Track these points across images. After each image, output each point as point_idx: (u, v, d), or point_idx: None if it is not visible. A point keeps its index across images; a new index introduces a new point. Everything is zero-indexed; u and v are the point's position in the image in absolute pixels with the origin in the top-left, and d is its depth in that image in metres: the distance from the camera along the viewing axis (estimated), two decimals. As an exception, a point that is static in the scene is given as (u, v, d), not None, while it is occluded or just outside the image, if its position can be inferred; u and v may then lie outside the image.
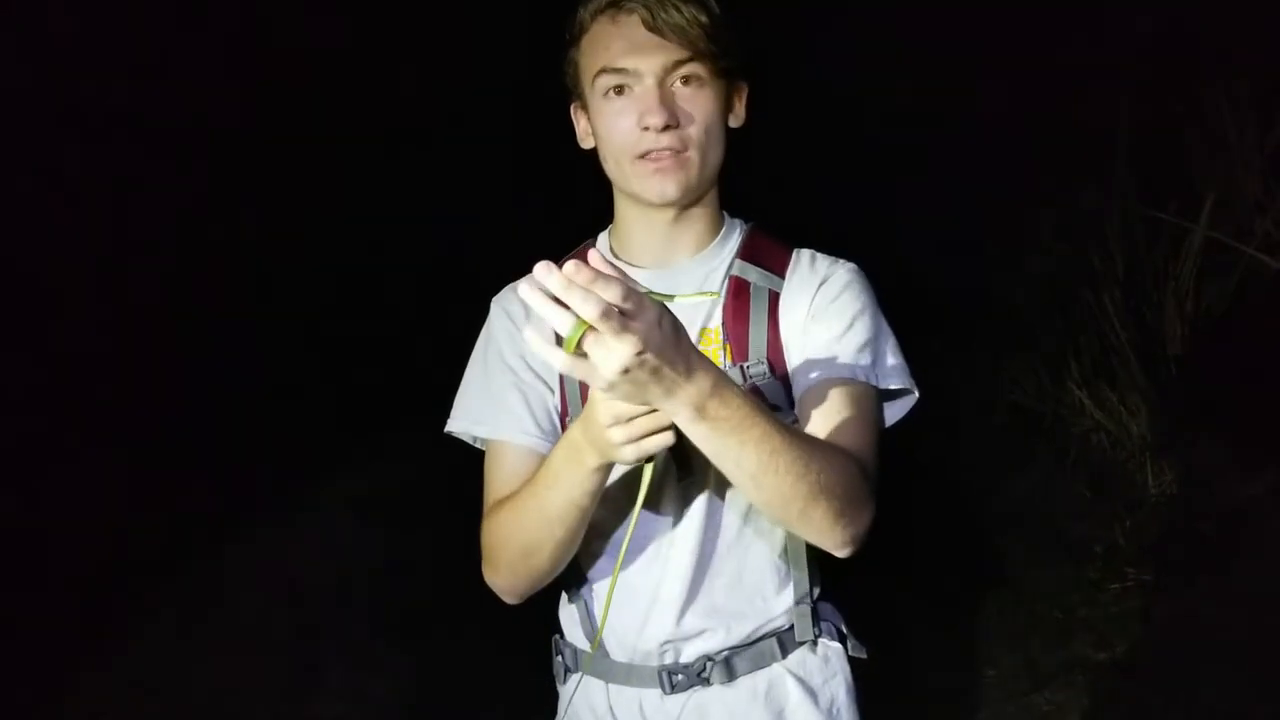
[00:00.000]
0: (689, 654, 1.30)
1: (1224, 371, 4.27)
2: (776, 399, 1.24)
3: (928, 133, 5.94)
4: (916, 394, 1.30)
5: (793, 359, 1.26)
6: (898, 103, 6.20)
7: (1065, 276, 5.13)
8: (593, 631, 1.34)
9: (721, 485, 1.27)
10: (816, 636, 1.34)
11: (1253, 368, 4.03)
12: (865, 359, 1.23)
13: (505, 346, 1.33)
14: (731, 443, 1.02)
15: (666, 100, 1.22)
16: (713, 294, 1.24)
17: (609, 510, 1.29)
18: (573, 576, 1.35)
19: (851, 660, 1.40)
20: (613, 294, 0.87)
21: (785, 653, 1.32)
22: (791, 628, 1.32)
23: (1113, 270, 4.87)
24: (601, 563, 1.33)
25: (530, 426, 1.28)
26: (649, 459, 1.06)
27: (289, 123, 5.91)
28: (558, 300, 0.88)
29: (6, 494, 3.92)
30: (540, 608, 1.45)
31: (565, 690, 1.41)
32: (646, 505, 1.25)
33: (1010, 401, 5.19)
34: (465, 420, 1.34)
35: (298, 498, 4.77)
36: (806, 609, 1.32)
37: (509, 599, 1.29)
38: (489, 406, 1.31)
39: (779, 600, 1.31)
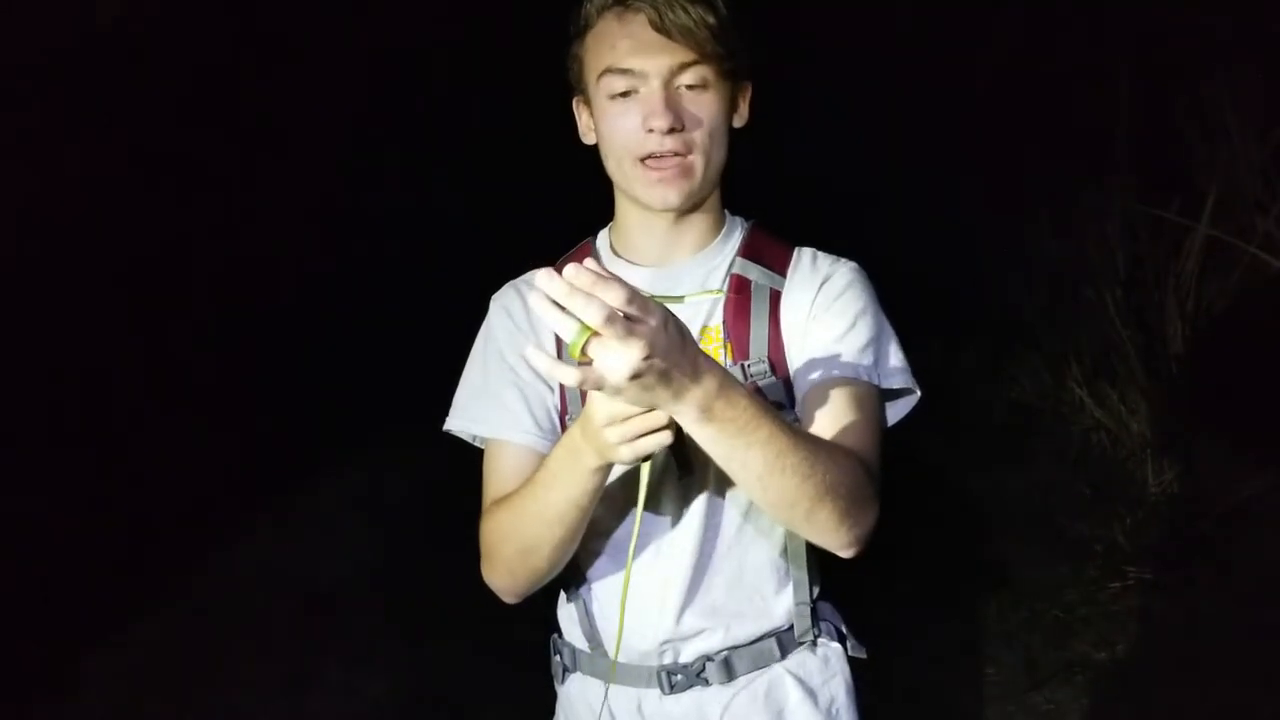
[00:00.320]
0: (688, 654, 1.29)
1: (1225, 370, 4.27)
2: (777, 398, 1.23)
3: (928, 131, 5.94)
4: (918, 393, 1.29)
5: (794, 358, 1.25)
6: (897, 101, 6.20)
7: (1066, 275, 5.13)
8: (592, 631, 1.33)
9: (721, 485, 1.26)
10: (816, 637, 1.34)
11: (1253, 366, 4.03)
12: (867, 359, 1.23)
13: (504, 345, 1.32)
14: (738, 444, 1.02)
15: (672, 102, 1.21)
16: (717, 291, 1.24)
17: (608, 509, 1.28)
18: (571, 576, 1.35)
19: (851, 660, 1.39)
20: (616, 297, 0.87)
21: (785, 653, 1.32)
22: (791, 628, 1.32)
23: (1113, 269, 4.87)
24: (600, 562, 1.32)
25: (529, 425, 1.28)
26: (647, 458, 1.05)
27: (288, 122, 5.91)
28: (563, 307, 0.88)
29: (4, 491, 3.92)
30: (539, 607, 1.45)
31: (564, 690, 1.41)
32: (646, 506, 1.25)
33: (1011, 400, 5.19)
34: (464, 418, 1.34)
35: (296, 496, 4.77)
36: (806, 609, 1.32)
37: (507, 598, 1.28)
38: (488, 405, 1.31)
39: (778, 600, 1.31)
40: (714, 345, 1.26)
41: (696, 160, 1.24)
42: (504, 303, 1.36)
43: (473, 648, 3.46)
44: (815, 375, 1.21)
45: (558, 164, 2.90)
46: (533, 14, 3.43)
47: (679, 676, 1.29)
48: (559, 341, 1.12)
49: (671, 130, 1.21)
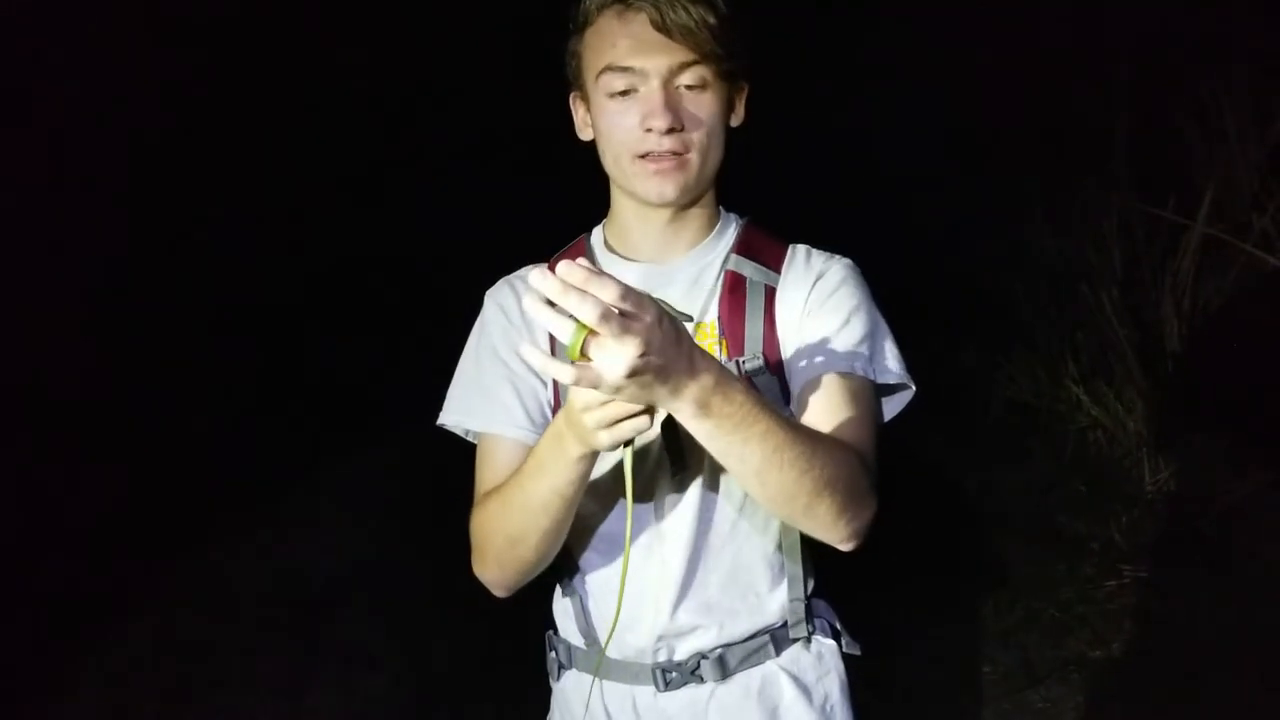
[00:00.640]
0: (682, 651, 1.29)
1: (1221, 369, 4.27)
2: (772, 394, 1.23)
3: (924, 130, 5.93)
4: (913, 389, 1.29)
5: (789, 354, 1.25)
6: (895, 100, 6.20)
7: (1063, 273, 5.13)
8: (587, 627, 1.33)
9: (715, 481, 1.26)
10: (810, 633, 1.34)
11: (1250, 365, 4.03)
12: (863, 354, 1.23)
13: (498, 340, 1.32)
14: (735, 439, 1.02)
15: (671, 102, 1.21)
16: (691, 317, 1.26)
17: (601, 505, 1.28)
18: (567, 572, 1.35)
19: (845, 657, 1.39)
20: (610, 294, 0.87)
21: (779, 650, 1.32)
22: (785, 624, 1.32)
23: (1110, 267, 4.87)
24: (595, 559, 1.32)
25: (521, 420, 1.28)
26: (628, 443, 1.04)
27: (287, 120, 5.91)
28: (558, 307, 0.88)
29: (1, 491, 3.92)
30: (536, 604, 1.45)
31: (559, 687, 1.41)
32: (640, 500, 1.25)
33: (1007, 398, 5.19)
34: (457, 413, 1.34)
35: (293, 494, 4.76)
36: (800, 606, 1.32)
37: (498, 592, 1.28)
38: (481, 399, 1.31)
39: (773, 597, 1.31)
40: (709, 341, 1.26)
41: (694, 158, 1.25)
42: (498, 299, 1.36)
43: (469, 645, 3.46)
44: (811, 370, 1.21)
45: (553, 160, 2.90)
46: (530, 11, 3.42)
47: (673, 674, 1.29)
48: (553, 338, 1.12)
49: (670, 130, 1.22)
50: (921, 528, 4.24)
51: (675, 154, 1.23)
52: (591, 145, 1.32)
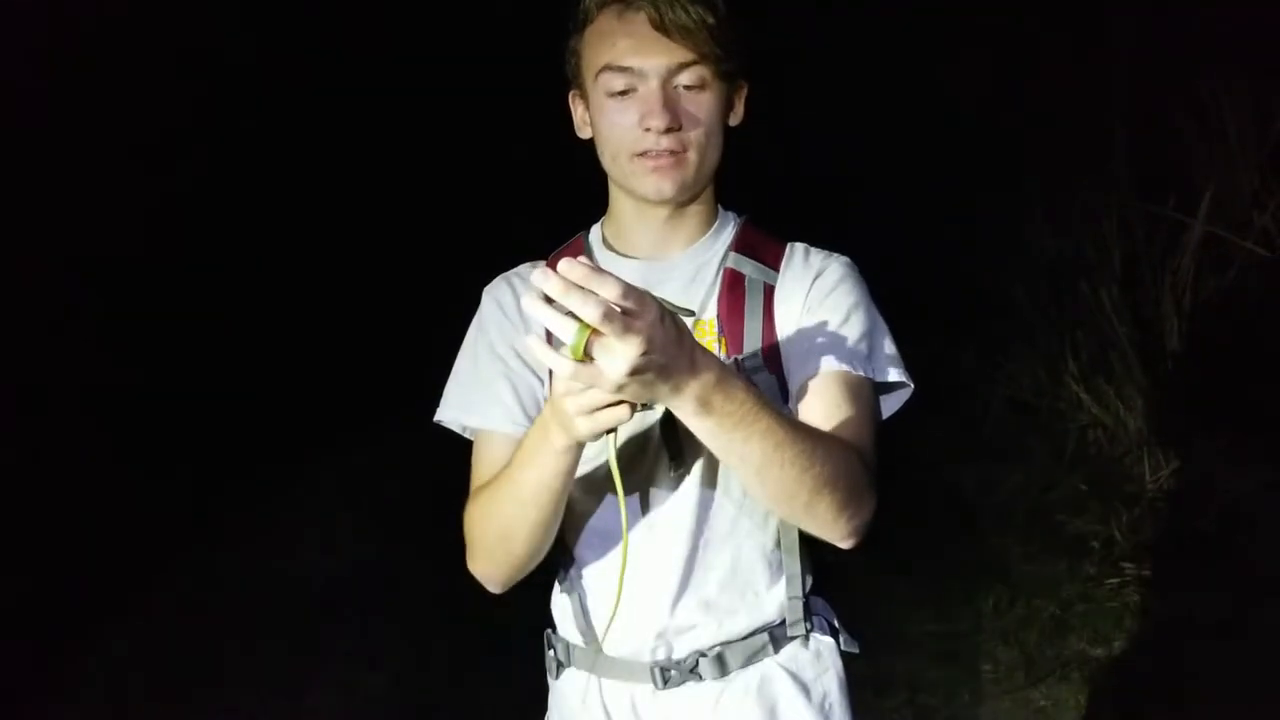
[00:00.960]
0: (681, 649, 1.29)
1: (1222, 367, 4.27)
2: (771, 392, 1.23)
3: (923, 128, 5.93)
4: (912, 387, 1.29)
5: (788, 352, 1.25)
6: (894, 98, 6.19)
7: (1063, 271, 5.13)
8: (586, 626, 1.33)
9: (714, 478, 1.26)
10: (809, 631, 1.34)
11: (1250, 363, 4.03)
12: (861, 351, 1.23)
13: (496, 336, 1.33)
14: (736, 437, 1.03)
15: (669, 102, 1.22)
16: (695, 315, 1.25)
17: (597, 501, 1.28)
18: (565, 570, 1.35)
19: (844, 655, 1.39)
20: (611, 292, 0.87)
21: (777, 647, 1.32)
22: (784, 622, 1.32)
23: (1110, 265, 4.87)
24: (592, 555, 1.32)
25: (519, 416, 1.28)
26: (612, 432, 1.04)
27: (289, 117, 5.91)
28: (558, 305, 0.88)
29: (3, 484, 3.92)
30: (535, 602, 1.45)
31: (557, 685, 1.41)
32: (638, 497, 1.25)
33: (1007, 396, 5.19)
34: (454, 409, 1.34)
35: (294, 492, 4.77)
36: (799, 603, 1.32)
37: (492, 587, 1.28)
38: (478, 396, 1.31)
39: (771, 594, 1.31)
40: (708, 339, 1.26)
41: (692, 157, 1.25)
42: (496, 295, 1.36)
43: (468, 643, 3.46)
44: (809, 368, 1.22)
45: (551, 158, 2.90)
46: (529, 8, 3.42)
47: (672, 671, 1.29)
48: (549, 333, 1.12)
49: (669, 129, 1.22)
50: (922, 526, 4.25)
51: (673, 153, 1.23)
52: (590, 143, 1.32)
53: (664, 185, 1.25)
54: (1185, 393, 4.42)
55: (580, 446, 1.10)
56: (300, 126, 5.99)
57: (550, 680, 1.42)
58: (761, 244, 1.33)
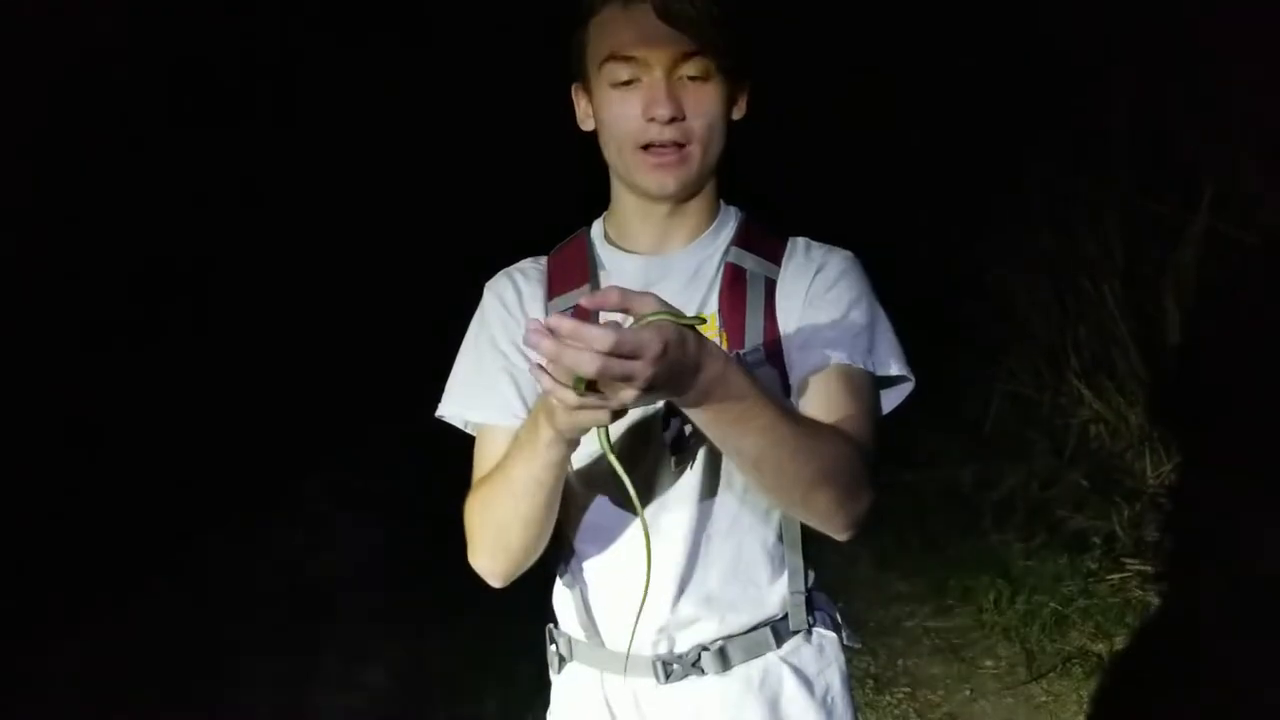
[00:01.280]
0: (683, 643, 1.29)
1: (1223, 363, 4.27)
2: (773, 387, 1.23)
3: (926, 122, 5.92)
4: (913, 381, 1.29)
5: (789, 346, 1.25)
6: (894, 93, 6.18)
7: (1064, 266, 5.13)
8: (588, 620, 1.33)
9: (716, 473, 1.26)
10: (811, 626, 1.33)
11: (1252, 359, 4.02)
12: (862, 345, 1.23)
13: (497, 331, 1.32)
14: (735, 429, 1.03)
15: (673, 92, 1.21)
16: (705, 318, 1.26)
17: (599, 496, 1.28)
18: (566, 565, 1.35)
19: (846, 650, 1.39)
20: (603, 344, 0.88)
21: (780, 642, 1.31)
22: (786, 617, 1.31)
23: (1112, 260, 4.87)
24: (594, 551, 1.32)
25: (520, 410, 1.28)
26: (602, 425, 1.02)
27: (289, 114, 5.91)
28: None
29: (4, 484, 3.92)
30: (536, 598, 1.44)
31: (559, 680, 1.40)
32: (639, 492, 1.25)
33: (1008, 392, 5.19)
34: (456, 405, 1.34)
35: (295, 489, 4.77)
36: (801, 598, 1.31)
37: (493, 581, 1.28)
38: (480, 391, 1.31)
39: (773, 589, 1.30)
40: (709, 334, 1.26)
41: (695, 150, 1.25)
42: (497, 289, 1.36)
43: (470, 638, 3.46)
44: (811, 361, 1.21)
45: (553, 153, 2.89)
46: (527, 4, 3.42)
47: (674, 666, 1.29)
48: None
49: (672, 120, 1.21)
50: (923, 522, 4.25)
51: (677, 145, 1.23)
52: (592, 136, 1.32)
53: (667, 181, 1.25)
54: (1187, 388, 4.42)
55: (569, 441, 1.10)
56: (296, 123, 5.98)
57: (552, 675, 1.42)
58: (763, 239, 1.33)
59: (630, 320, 0.98)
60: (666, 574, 1.26)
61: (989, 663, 3.38)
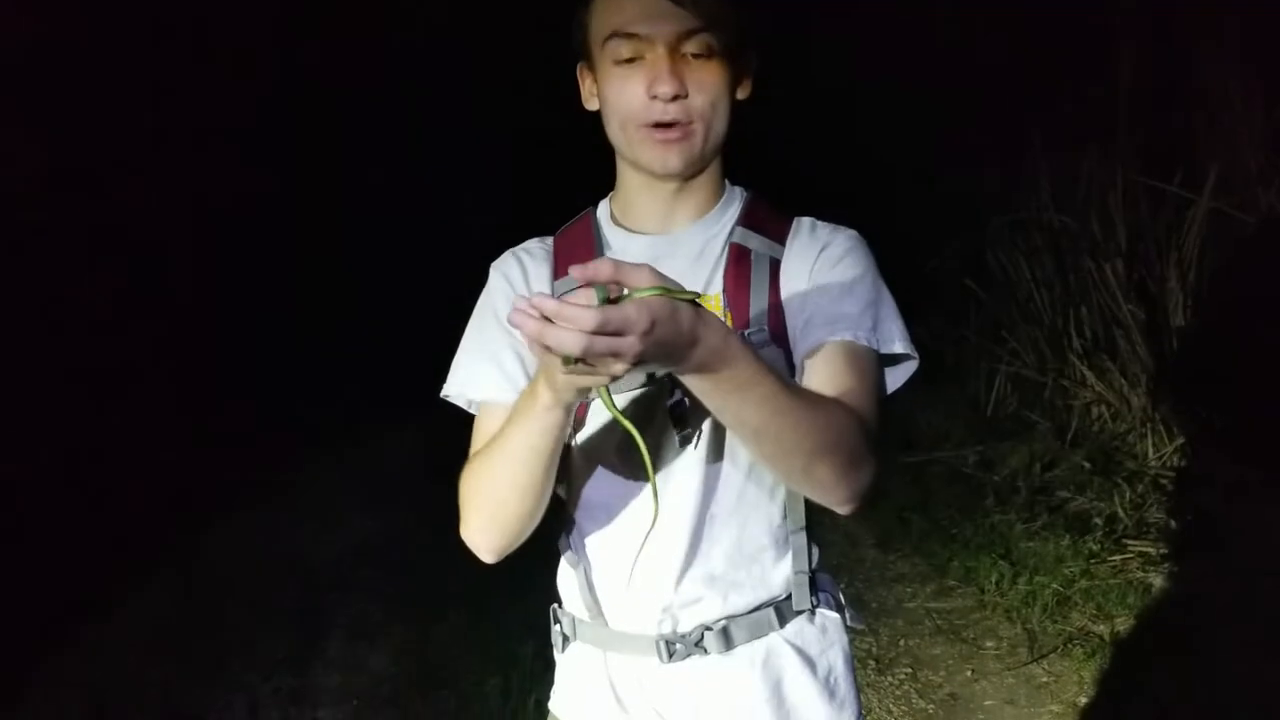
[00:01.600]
0: (686, 623, 1.29)
1: (1226, 344, 4.27)
2: (778, 366, 1.22)
3: (926, 101, 5.90)
4: (917, 360, 1.29)
5: (793, 325, 1.25)
6: (897, 71, 6.16)
7: (1067, 247, 5.12)
8: (592, 600, 1.33)
9: (720, 452, 1.26)
10: (814, 606, 1.33)
11: (1255, 340, 4.02)
12: (866, 322, 1.22)
13: (502, 309, 1.32)
14: (734, 400, 1.02)
15: (676, 70, 1.21)
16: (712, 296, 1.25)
17: (605, 476, 1.28)
18: (571, 545, 1.35)
19: (849, 630, 1.39)
20: (588, 324, 0.87)
21: (783, 622, 1.31)
22: (789, 597, 1.31)
23: (1115, 241, 4.86)
24: (599, 530, 1.32)
25: (523, 385, 1.27)
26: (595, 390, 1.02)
27: (284, 103, 5.89)
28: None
29: (5, 463, 3.93)
30: (539, 579, 1.45)
31: (563, 659, 1.41)
32: (643, 475, 1.25)
33: (1010, 373, 5.19)
34: (459, 384, 1.33)
35: (299, 473, 4.78)
36: (804, 578, 1.31)
37: (484, 556, 1.27)
38: (483, 368, 1.31)
39: (777, 569, 1.30)
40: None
41: (698, 128, 1.24)
42: (503, 269, 1.36)
43: (473, 620, 3.48)
44: (814, 338, 1.21)
45: (558, 135, 2.89)
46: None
47: (678, 645, 1.29)
48: None
49: (675, 97, 1.21)
50: (925, 503, 4.26)
51: (680, 123, 1.23)
52: (597, 117, 1.31)
53: (670, 159, 1.24)
54: (1189, 370, 4.42)
55: (567, 406, 1.09)
56: (298, 109, 5.97)
57: (556, 654, 1.43)
58: (768, 218, 1.32)
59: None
60: (670, 553, 1.26)
61: (990, 643, 3.39)
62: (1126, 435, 4.53)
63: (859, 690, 1.40)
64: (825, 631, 1.35)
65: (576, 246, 1.33)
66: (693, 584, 1.27)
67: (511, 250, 1.38)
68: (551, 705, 1.45)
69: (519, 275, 1.33)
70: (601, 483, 1.29)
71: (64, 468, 4.19)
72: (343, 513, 4.50)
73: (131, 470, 4.28)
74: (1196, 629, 3.22)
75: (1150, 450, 4.36)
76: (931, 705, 3.08)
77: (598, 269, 0.93)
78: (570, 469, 1.31)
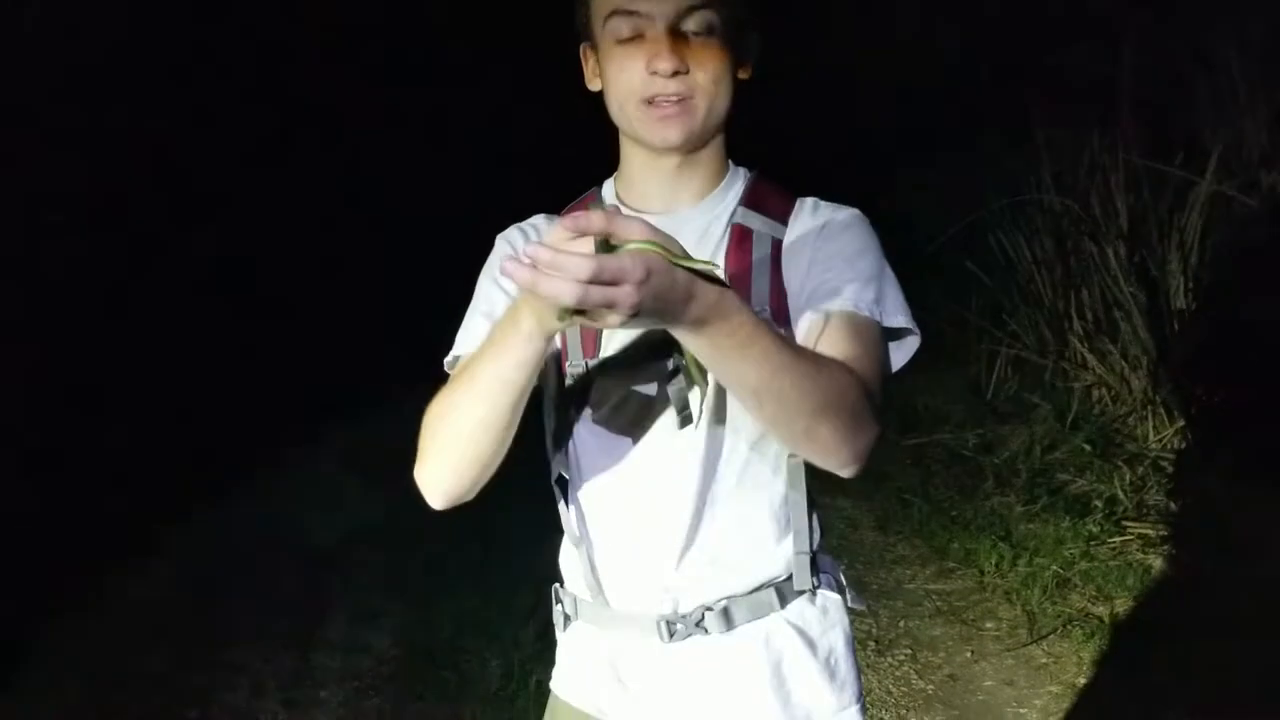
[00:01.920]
0: (687, 603, 1.29)
1: (1227, 327, 4.26)
2: (781, 345, 1.22)
3: (929, 83, 5.88)
4: (919, 337, 1.28)
5: (795, 303, 1.24)
6: (897, 50, 6.14)
7: (1068, 229, 5.11)
8: (593, 580, 1.33)
9: (722, 431, 1.25)
10: (815, 587, 1.33)
11: (1256, 323, 4.02)
12: (869, 294, 1.21)
13: (502, 275, 1.31)
14: (734, 358, 1.01)
15: (677, 46, 1.20)
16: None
17: (608, 459, 1.28)
18: (573, 524, 1.35)
19: (850, 612, 1.39)
20: (583, 273, 0.86)
21: (784, 603, 1.31)
22: (790, 578, 1.31)
23: (1116, 223, 4.85)
24: (601, 510, 1.32)
25: None
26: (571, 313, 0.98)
27: (298, 100, 5.88)
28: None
29: (11, 446, 3.93)
30: (540, 560, 1.45)
31: (564, 639, 1.41)
32: (645, 451, 1.25)
33: (1011, 355, 5.19)
34: (460, 347, 1.33)
35: (300, 452, 4.78)
36: (805, 559, 1.31)
37: (434, 500, 1.26)
38: (477, 323, 1.30)
39: (778, 550, 1.30)
40: None
41: (699, 103, 1.24)
42: (509, 238, 1.37)
43: (474, 601, 3.48)
44: (816, 309, 1.20)
45: (563, 116, 2.88)
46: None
47: (678, 626, 1.29)
48: None
49: (675, 73, 1.20)
50: (925, 485, 4.26)
51: (681, 100, 1.22)
52: (600, 97, 1.31)
53: (670, 132, 1.24)
54: (1190, 352, 4.42)
55: (546, 339, 1.08)
56: (301, 99, 5.95)
57: (558, 634, 1.43)
58: (771, 198, 1.32)
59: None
60: (671, 533, 1.26)
61: (990, 625, 3.40)
62: (1127, 418, 4.53)
63: (860, 671, 1.41)
64: (826, 612, 1.35)
65: None
66: (694, 564, 1.27)
67: (517, 224, 1.38)
68: (553, 685, 1.45)
69: (522, 244, 1.33)
70: (604, 462, 1.29)
71: (63, 449, 4.19)
72: (343, 493, 4.51)
73: (130, 452, 4.28)
74: (1195, 610, 3.23)
75: (1150, 433, 4.36)
76: (931, 686, 3.09)
77: (590, 219, 0.92)
78: (574, 449, 1.31)
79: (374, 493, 4.41)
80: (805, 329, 1.20)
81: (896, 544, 3.94)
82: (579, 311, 0.91)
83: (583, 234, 0.93)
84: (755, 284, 1.24)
